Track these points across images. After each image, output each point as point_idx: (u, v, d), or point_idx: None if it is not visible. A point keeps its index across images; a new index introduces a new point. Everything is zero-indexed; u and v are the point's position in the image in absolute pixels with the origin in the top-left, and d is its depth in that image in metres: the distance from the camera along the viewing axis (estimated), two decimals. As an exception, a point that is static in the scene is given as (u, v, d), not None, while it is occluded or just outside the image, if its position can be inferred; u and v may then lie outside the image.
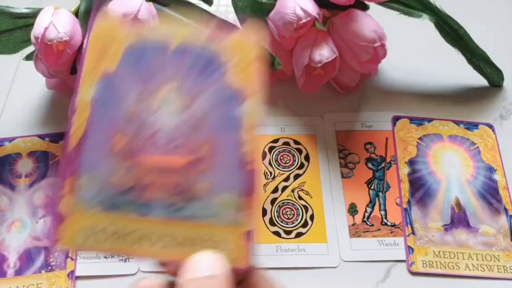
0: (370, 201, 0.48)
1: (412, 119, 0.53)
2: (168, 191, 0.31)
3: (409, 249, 0.46)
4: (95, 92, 0.32)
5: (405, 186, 0.49)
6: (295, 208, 0.48)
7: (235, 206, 0.31)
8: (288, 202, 0.48)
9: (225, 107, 0.33)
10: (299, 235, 0.47)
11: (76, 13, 0.47)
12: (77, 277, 0.44)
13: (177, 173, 0.31)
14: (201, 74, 0.34)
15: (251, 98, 0.34)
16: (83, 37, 0.45)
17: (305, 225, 0.47)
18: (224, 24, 0.36)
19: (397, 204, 0.48)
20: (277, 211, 0.48)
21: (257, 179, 0.33)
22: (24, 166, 0.49)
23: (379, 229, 0.47)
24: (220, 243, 0.30)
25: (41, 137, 0.51)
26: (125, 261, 0.45)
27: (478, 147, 0.52)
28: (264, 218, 0.47)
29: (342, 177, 0.50)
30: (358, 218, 0.47)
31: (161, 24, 0.34)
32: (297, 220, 0.47)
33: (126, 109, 0.32)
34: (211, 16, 0.46)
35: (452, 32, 0.51)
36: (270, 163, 0.50)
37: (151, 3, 0.45)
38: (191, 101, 0.33)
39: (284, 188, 0.49)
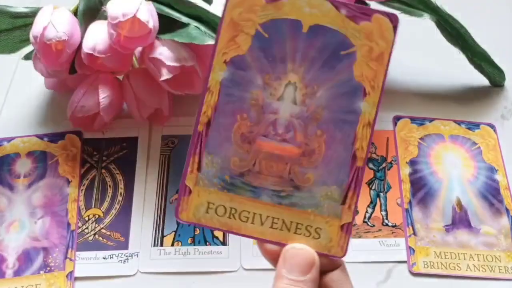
0: (371, 202, 0.48)
1: (413, 119, 0.53)
2: (279, 177, 0.33)
3: (410, 250, 0.46)
4: (226, 72, 0.32)
5: (406, 186, 0.49)
6: (295, 208, 0.48)
7: (339, 199, 0.33)
8: (288, 203, 0.48)
9: (347, 100, 0.33)
10: (299, 235, 0.46)
11: (75, 13, 0.47)
12: (76, 278, 0.44)
13: (289, 162, 0.33)
14: (330, 60, 0.33)
15: (373, 93, 0.34)
16: (82, 37, 0.45)
17: (305, 225, 0.47)
18: (360, 8, 0.34)
19: (398, 204, 0.48)
20: (277, 212, 0.47)
21: (363, 176, 0.34)
22: (23, 166, 0.49)
23: (380, 230, 0.47)
24: (321, 231, 0.32)
25: (40, 137, 0.51)
26: (124, 262, 0.45)
27: (479, 147, 0.51)
28: (264, 218, 0.47)
29: (343, 177, 0.49)
30: (359, 218, 0.47)
31: (298, 2, 0.33)
32: (297, 220, 0.47)
33: (253, 93, 0.33)
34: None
35: (453, 32, 0.51)
36: (270, 163, 0.50)
37: (150, 3, 0.44)
38: (315, 90, 0.33)
39: (284, 188, 0.49)
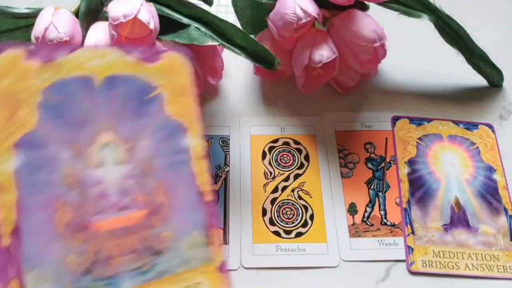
0: (370, 201, 0.48)
1: (411, 119, 0.53)
2: (132, 254, 0.28)
3: (409, 249, 0.46)
4: (18, 159, 0.26)
5: (405, 186, 0.49)
6: (295, 208, 0.48)
7: (204, 242, 0.30)
8: (288, 202, 0.48)
9: (171, 141, 0.30)
10: (299, 235, 0.47)
11: (76, 13, 0.47)
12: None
13: (137, 230, 0.28)
14: (138, 108, 0.30)
15: (193, 126, 0.31)
16: (83, 37, 0.45)
17: (305, 225, 0.47)
18: (150, 49, 0.33)
19: (396, 204, 0.48)
20: (277, 211, 0.48)
21: (215, 210, 0.32)
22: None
23: (379, 229, 0.47)
24: (201, 284, 0.29)
25: (41, 137, 0.51)
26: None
27: (477, 147, 0.52)
28: (264, 218, 0.47)
29: (342, 177, 0.50)
30: (358, 218, 0.48)
31: (78, 55, 0.29)
32: (297, 220, 0.47)
33: (63, 171, 0.27)
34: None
35: (452, 32, 0.51)
36: (270, 163, 0.50)
37: (151, 4, 0.45)
38: (133, 143, 0.29)
39: (284, 188, 0.49)
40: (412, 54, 0.58)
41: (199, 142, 0.31)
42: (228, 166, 0.50)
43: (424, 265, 0.45)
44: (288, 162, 0.51)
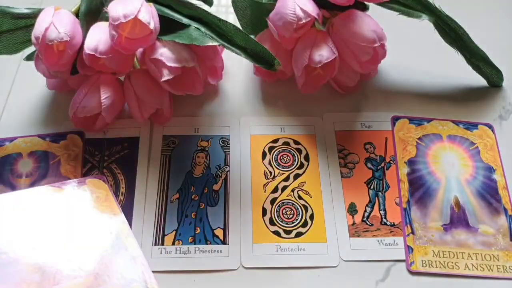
0: (370, 201, 0.49)
1: (411, 119, 0.53)
2: None
3: (409, 249, 0.46)
4: None
5: (405, 186, 0.49)
6: (295, 208, 0.48)
7: None
8: (288, 202, 0.48)
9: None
10: (299, 234, 0.47)
11: (76, 14, 0.47)
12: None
13: None
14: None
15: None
16: (84, 38, 0.45)
17: (304, 224, 0.47)
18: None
19: (396, 204, 0.48)
20: (277, 211, 0.48)
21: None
22: (25, 166, 0.49)
23: (379, 229, 0.47)
24: None
25: (42, 137, 0.51)
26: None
27: (477, 147, 0.52)
28: (264, 218, 0.47)
29: (342, 177, 0.50)
30: (358, 217, 0.48)
31: None
32: (297, 219, 0.47)
33: None
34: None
35: (452, 33, 0.51)
36: (270, 163, 0.50)
37: (151, 4, 0.45)
38: None
39: (284, 188, 0.49)
40: (412, 54, 0.58)
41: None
42: (228, 166, 0.50)
43: (424, 265, 0.45)
44: (288, 162, 0.51)
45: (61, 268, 0.39)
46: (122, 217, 0.44)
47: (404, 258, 0.45)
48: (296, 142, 0.52)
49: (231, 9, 0.54)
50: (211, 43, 0.45)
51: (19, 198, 0.45)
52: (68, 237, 0.41)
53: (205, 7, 0.48)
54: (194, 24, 0.46)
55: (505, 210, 0.48)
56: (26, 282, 0.36)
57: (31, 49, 0.50)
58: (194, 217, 0.47)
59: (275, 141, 0.52)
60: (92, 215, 0.43)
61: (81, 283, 0.37)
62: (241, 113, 0.54)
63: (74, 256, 0.39)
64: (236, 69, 0.57)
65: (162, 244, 0.46)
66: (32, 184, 0.48)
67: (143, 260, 0.41)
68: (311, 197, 0.49)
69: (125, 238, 0.42)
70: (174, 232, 0.46)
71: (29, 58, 0.52)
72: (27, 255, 0.39)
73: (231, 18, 0.61)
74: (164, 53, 0.45)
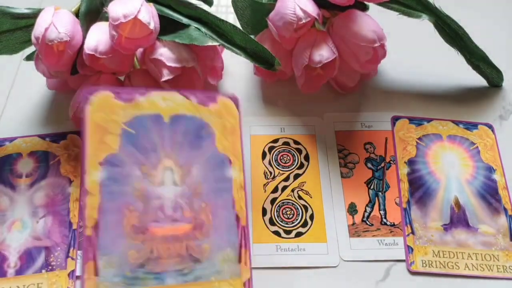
0: (370, 201, 0.49)
1: (411, 119, 0.53)
2: (178, 257, 0.34)
3: (409, 249, 0.46)
4: (103, 172, 0.34)
5: (405, 186, 0.49)
6: (295, 207, 0.48)
7: (235, 259, 0.36)
8: (288, 202, 0.48)
9: (218, 171, 0.37)
10: (299, 234, 0.47)
11: (76, 14, 0.47)
12: (78, 277, 0.44)
13: (184, 239, 0.35)
14: (195, 142, 0.37)
15: (236, 161, 0.38)
16: (84, 38, 0.45)
17: (305, 224, 0.47)
18: (205, 93, 0.39)
19: (396, 204, 0.48)
20: (277, 211, 0.48)
21: (249, 233, 0.38)
22: (25, 166, 0.49)
23: (379, 229, 0.47)
24: None
25: (42, 137, 0.51)
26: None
27: (477, 147, 0.52)
28: (264, 218, 0.47)
29: (342, 177, 0.50)
30: (358, 217, 0.48)
31: (150, 97, 0.37)
32: (297, 219, 0.47)
33: (134, 185, 0.34)
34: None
35: (452, 32, 0.51)
36: (270, 163, 0.50)
37: (151, 4, 0.45)
38: (189, 169, 0.36)
39: (284, 188, 0.49)
40: (412, 54, 0.58)
41: (240, 174, 0.38)
42: (228, 166, 0.50)
43: (424, 265, 0.45)
44: (288, 162, 0.51)
45: (166, 205, 0.36)
46: None
47: (404, 258, 0.45)
48: (296, 142, 0.52)
49: (231, 9, 0.54)
50: (211, 43, 0.45)
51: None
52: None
53: (205, 7, 0.48)
54: (194, 24, 0.46)
55: (505, 210, 0.48)
56: (129, 207, 0.34)
57: (31, 49, 0.50)
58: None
59: (275, 141, 0.52)
60: None
61: (179, 229, 0.35)
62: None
63: (180, 198, 0.36)
64: (236, 69, 0.57)
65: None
66: (32, 184, 0.48)
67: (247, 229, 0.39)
68: (311, 197, 0.49)
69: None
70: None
71: (29, 58, 0.52)
72: (140, 176, 0.36)
73: (231, 18, 0.61)
74: (164, 53, 0.45)
